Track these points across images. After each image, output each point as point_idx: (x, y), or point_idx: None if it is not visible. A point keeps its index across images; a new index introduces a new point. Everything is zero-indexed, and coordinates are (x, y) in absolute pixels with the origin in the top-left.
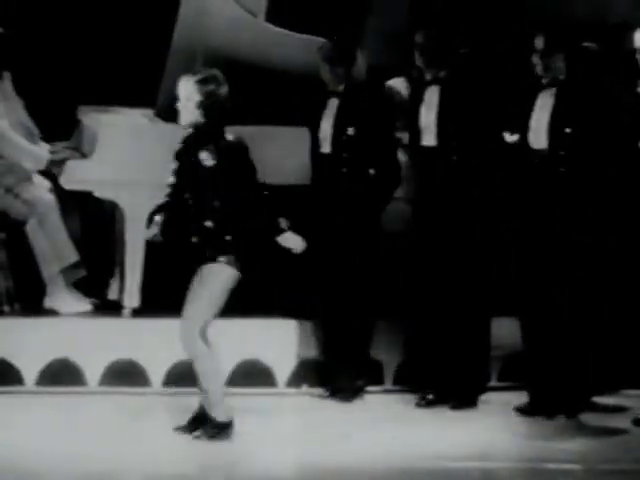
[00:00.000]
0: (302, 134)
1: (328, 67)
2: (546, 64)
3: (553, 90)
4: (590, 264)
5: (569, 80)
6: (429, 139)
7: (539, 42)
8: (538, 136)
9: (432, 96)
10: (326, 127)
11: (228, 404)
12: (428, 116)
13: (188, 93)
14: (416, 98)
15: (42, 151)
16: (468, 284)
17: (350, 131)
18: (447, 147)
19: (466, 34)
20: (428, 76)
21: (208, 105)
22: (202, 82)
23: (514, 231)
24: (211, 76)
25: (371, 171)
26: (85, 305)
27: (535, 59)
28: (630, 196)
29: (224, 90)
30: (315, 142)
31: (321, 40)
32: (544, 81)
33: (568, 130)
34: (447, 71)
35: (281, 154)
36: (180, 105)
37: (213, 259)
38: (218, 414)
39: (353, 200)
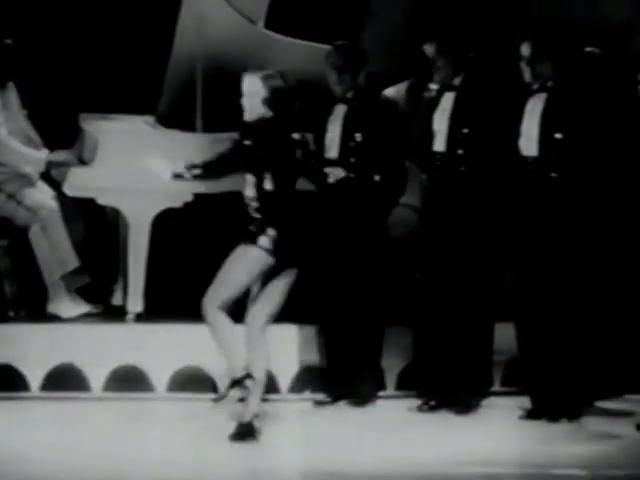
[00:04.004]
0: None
1: (336, 74)
2: (534, 71)
3: (543, 95)
4: (586, 268)
5: (559, 85)
6: (440, 144)
7: (525, 49)
8: (529, 142)
9: (447, 102)
10: (333, 133)
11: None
12: (441, 121)
13: (254, 89)
14: (430, 104)
15: (40, 153)
16: (472, 290)
17: (358, 137)
18: (456, 154)
19: (473, 38)
20: (443, 83)
21: (274, 101)
22: (268, 78)
23: (512, 237)
24: (277, 73)
25: (376, 177)
26: (86, 310)
27: (522, 66)
28: (623, 200)
29: (290, 87)
30: (320, 148)
31: (321, 46)
32: (533, 87)
33: (559, 135)
34: (462, 77)
35: None
36: (245, 101)
37: (252, 241)
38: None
39: (358, 205)
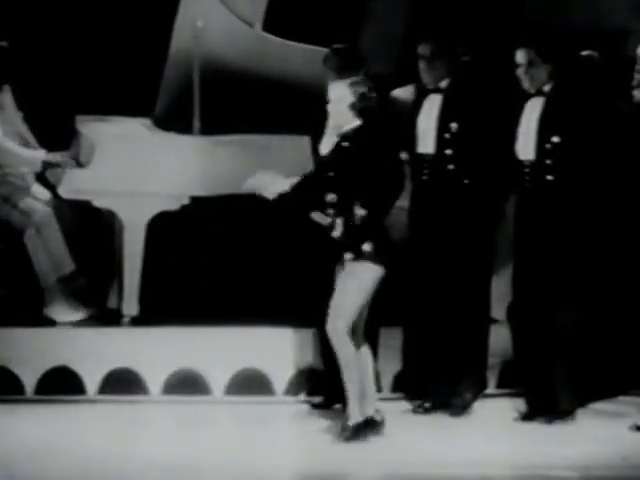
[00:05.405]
0: (303, 143)
1: (335, 76)
2: (530, 76)
3: (540, 99)
4: (582, 271)
5: (556, 89)
6: (425, 146)
7: (521, 55)
8: (526, 145)
9: (432, 104)
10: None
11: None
12: (427, 123)
13: (340, 94)
14: (414, 106)
15: (36, 153)
16: (465, 291)
17: None
18: (444, 155)
19: (468, 42)
20: (431, 86)
21: (361, 106)
22: (355, 84)
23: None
24: (363, 79)
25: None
26: (82, 314)
27: (519, 73)
28: (620, 203)
29: (374, 95)
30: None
31: (319, 49)
32: (530, 91)
33: (556, 139)
34: (449, 80)
35: (282, 163)
36: (331, 107)
37: (355, 257)
38: (351, 414)
39: None
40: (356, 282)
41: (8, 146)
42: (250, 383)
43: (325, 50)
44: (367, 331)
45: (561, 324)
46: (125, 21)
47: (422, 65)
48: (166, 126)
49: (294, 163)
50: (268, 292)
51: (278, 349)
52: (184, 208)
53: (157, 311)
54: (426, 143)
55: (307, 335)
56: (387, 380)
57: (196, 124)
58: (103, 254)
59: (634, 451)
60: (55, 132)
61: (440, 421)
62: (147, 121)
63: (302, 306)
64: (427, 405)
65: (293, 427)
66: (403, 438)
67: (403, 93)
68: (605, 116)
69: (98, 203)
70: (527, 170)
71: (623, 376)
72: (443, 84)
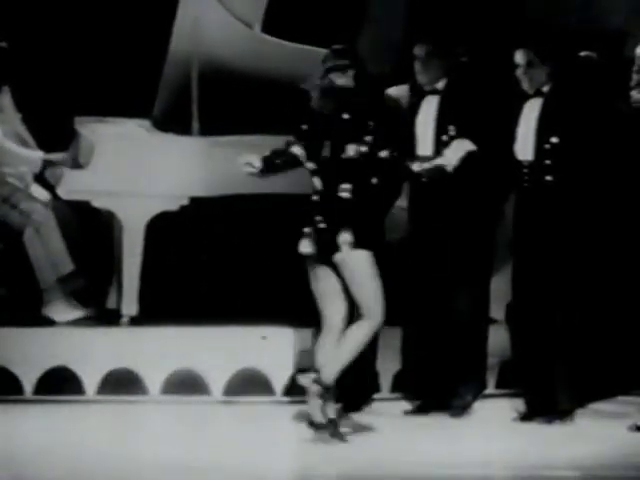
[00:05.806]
0: None
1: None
2: (529, 77)
3: (539, 100)
4: (582, 272)
5: (554, 89)
6: (425, 149)
7: (520, 56)
8: (525, 146)
9: (430, 106)
10: None
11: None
12: (425, 125)
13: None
14: (412, 108)
15: (35, 153)
16: (465, 292)
17: None
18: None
19: (466, 42)
20: (427, 87)
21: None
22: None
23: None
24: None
25: (374, 180)
26: (81, 314)
27: (518, 73)
28: (619, 203)
29: None
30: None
31: (317, 50)
32: (529, 92)
33: (555, 139)
34: (446, 81)
35: None
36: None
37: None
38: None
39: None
40: (369, 273)
41: (8, 146)
42: (250, 383)
43: (324, 51)
44: None
45: (561, 324)
46: (124, 22)
47: (417, 66)
48: (165, 127)
49: None
50: (268, 292)
51: (278, 349)
52: (184, 208)
53: (156, 311)
54: (425, 145)
55: (307, 335)
56: (387, 380)
57: (195, 125)
58: (102, 254)
59: (634, 451)
60: (54, 133)
61: (440, 421)
62: (146, 122)
63: (302, 306)
64: (426, 405)
65: (293, 427)
66: (403, 438)
67: (398, 92)
68: (604, 117)
69: (97, 203)
70: (526, 170)
71: (623, 376)
72: (439, 85)
